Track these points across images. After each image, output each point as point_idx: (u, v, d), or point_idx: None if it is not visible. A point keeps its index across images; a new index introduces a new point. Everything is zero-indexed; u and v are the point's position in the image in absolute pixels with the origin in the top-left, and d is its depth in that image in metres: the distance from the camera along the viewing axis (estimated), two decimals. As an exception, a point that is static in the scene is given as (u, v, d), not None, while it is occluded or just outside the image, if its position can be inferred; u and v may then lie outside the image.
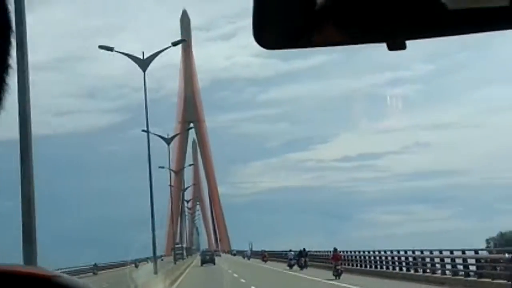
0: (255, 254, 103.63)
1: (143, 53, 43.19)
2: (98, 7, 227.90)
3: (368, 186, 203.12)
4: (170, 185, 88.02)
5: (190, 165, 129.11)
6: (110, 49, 41.35)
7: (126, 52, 42.76)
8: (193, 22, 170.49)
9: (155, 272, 35.62)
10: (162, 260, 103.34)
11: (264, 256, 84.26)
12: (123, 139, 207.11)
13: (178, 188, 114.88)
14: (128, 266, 79.66)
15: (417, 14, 1.42)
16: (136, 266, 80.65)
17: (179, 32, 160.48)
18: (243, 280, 40.43)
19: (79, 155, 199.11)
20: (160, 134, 68.07)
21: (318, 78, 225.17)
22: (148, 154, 44.47)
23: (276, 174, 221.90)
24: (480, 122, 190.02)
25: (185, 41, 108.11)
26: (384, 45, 1.45)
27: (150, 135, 47.15)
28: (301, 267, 53.47)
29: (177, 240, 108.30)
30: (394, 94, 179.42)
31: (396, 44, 1.46)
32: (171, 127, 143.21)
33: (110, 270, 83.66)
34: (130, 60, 41.77)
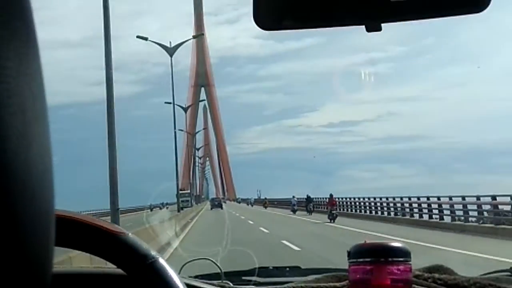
0: (258, 202, 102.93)
1: (170, 42, 49.34)
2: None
3: (348, 148, 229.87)
4: (186, 130, 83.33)
5: (204, 129, 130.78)
6: (145, 38, 44.38)
7: (155, 40, 47.86)
8: (204, 9, 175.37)
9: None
10: (167, 208, 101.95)
11: (265, 203, 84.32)
12: (145, 106, 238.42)
13: (190, 144, 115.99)
14: (145, 211, 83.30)
15: (392, 1, 1.56)
16: (151, 210, 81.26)
17: (193, 14, 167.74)
18: (250, 222, 40.00)
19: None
20: (176, 103, 70.94)
21: (307, 57, 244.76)
22: (173, 121, 51.82)
23: (272, 137, 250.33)
24: (440, 95, 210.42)
25: (202, 35, 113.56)
26: (363, 27, 1.58)
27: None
28: (310, 212, 50.56)
29: (183, 186, 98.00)
30: (370, 72, 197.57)
31: (373, 27, 1.57)
32: (185, 96, 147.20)
33: (130, 213, 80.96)
34: (150, 42, 45.71)
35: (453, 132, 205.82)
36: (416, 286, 1.64)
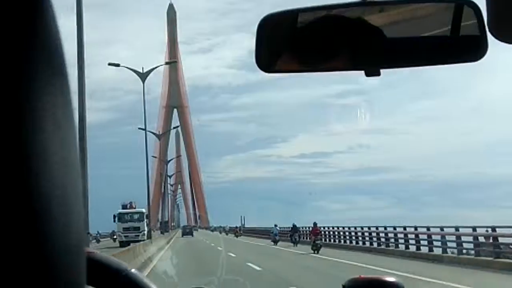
0: (233, 231, 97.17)
1: (142, 68, 49.29)
2: (94, 22, 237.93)
3: (319, 178, 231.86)
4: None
5: (175, 128, 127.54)
6: (117, 65, 44.96)
7: (127, 65, 46.85)
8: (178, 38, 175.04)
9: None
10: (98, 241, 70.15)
11: (236, 231, 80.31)
12: (117, 133, 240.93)
13: (161, 169, 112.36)
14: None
15: (392, 48, 1.70)
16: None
17: (166, 41, 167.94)
18: (232, 255, 34.82)
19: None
20: (149, 130, 68.97)
21: (280, 88, 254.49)
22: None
23: (244, 167, 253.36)
24: (410, 129, 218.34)
25: (175, 62, 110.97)
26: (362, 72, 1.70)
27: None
28: (295, 243, 47.55)
29: (130, 202, 58.95)
30: (342, 104, 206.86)
31: (373, 72, 1.68)
32: (158, 124, 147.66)
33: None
34: (121, 68, 46.10)
35: (424, 165, 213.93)
36: None
